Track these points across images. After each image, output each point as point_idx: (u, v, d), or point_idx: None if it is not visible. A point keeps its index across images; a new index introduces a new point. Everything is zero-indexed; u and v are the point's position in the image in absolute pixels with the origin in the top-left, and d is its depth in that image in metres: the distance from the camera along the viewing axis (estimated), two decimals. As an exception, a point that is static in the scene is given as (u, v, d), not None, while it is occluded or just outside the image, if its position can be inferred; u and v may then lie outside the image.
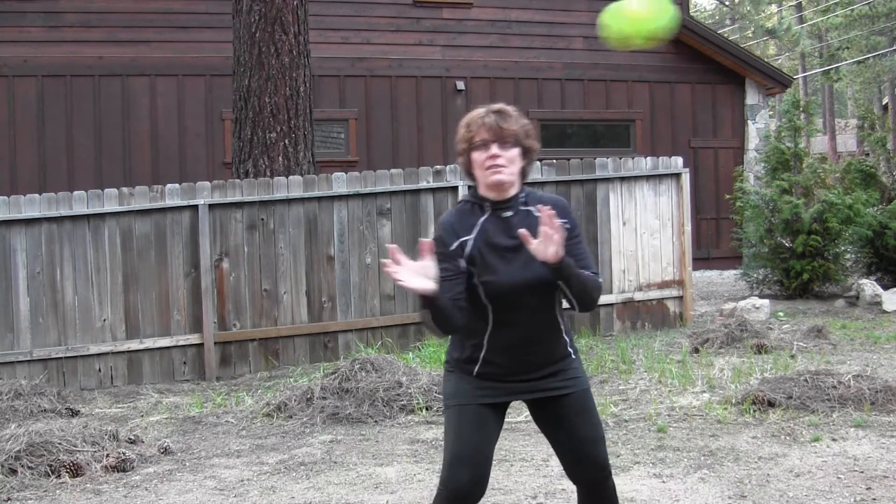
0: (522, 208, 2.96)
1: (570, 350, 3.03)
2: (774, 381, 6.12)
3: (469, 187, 3.04)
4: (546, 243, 2.73)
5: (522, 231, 2.77)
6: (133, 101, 13.60)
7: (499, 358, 2.94)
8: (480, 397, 2.96)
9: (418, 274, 2.71)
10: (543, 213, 2.73)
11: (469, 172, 3.00)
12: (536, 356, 2.95)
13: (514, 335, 2.92)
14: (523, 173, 3.00)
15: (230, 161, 11.36)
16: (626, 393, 6.60)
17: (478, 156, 2.91)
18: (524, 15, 15.38)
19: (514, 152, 2.92)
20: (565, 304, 2.99)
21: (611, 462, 3.20)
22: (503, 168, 2.89)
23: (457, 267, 2.89)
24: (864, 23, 36.37)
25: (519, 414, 5.76)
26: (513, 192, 2.96)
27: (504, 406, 3.04)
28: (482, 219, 2.94)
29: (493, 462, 3.11)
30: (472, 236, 2.91)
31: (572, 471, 3.03)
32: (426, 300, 2.76)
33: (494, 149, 2.89)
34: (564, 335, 3.01)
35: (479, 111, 2.96)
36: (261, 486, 4.92)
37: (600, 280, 2.98)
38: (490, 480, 3.03)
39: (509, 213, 2.94)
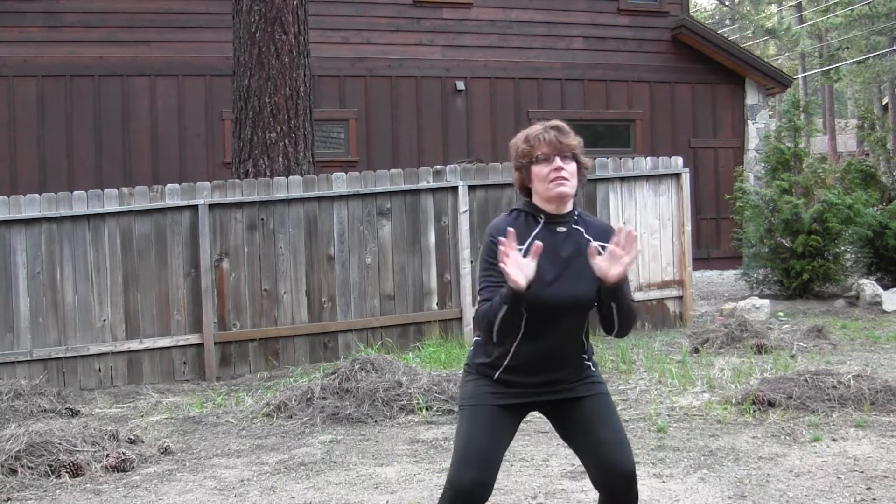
0: (574, 227, 2.99)
1: (589, 363, 3.07)
2: (774, 381, 6.12)
3: (526, 201, 3.03)
4: (612, 262, 2.77)
5: (593, 246, 2.80)
6: (133, 101, 13.59)
7: (521, 367, 2.96)
8: (496, 398, 2.99)
9: (520, 268, 2.70)
10: (624, 232, 2.75)
11: (524, 187, 3.03)
12: (557, 372, 2.98)
13: (542, 348, 2.93)
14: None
15: (230, 161, 11.36)
16: (626, 393, 6.60)
17: (540, 169, 2.94)
18: (524, 15, 15.38)
19: (574, 167, 2.96)
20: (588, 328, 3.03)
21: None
22: (566, 181, 2.92)
23: None
24: (864, 23, 36.35)
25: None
26: (568, 207, 2.99)
27: (520, 411, 3.06)
28: (536, 230, 2.95)
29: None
30: (524, 246, 2.87)
31: (596, 476, 2.95)
32: (514, 297, 2.73)
33: (558, 161, 2.92)
34: (585, 354, 3.05)
35: (536, 127, 2.99)
36: (261, 486, 4.92)
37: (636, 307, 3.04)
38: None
39: (563, 229, 2.96)
